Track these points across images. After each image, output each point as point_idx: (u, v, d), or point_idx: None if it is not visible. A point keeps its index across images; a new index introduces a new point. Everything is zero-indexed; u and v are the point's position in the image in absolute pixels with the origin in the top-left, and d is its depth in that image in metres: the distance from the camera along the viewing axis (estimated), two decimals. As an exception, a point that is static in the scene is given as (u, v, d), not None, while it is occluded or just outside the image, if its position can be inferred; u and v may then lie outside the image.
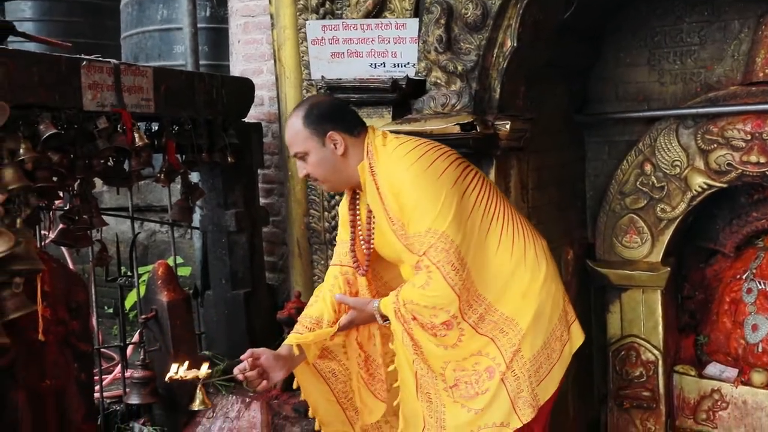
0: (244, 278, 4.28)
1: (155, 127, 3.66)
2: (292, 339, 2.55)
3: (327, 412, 2.71)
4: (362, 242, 2.60)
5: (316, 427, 2.74)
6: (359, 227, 2.61)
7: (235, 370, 2.44)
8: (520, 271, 2.45)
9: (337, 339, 2.66)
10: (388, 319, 2.45)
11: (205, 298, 4.37)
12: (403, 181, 2.38)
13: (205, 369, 2.36)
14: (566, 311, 2.58)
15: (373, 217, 2.54)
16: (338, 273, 2.67)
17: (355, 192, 2.62)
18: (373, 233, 2.57)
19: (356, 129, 2.51)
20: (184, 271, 4.97)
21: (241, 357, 2.46)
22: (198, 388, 2.40)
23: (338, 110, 2.55)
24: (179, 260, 4.53)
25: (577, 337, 2.61)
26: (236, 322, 4.25)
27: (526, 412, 2.41)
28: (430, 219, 2.33)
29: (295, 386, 2.70)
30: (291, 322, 3.64)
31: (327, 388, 2.69)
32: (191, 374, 2.34)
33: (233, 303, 4.25)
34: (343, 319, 2.56)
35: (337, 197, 3.62)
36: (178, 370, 2.32)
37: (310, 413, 2.73)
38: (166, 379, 2.34)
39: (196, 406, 2.44)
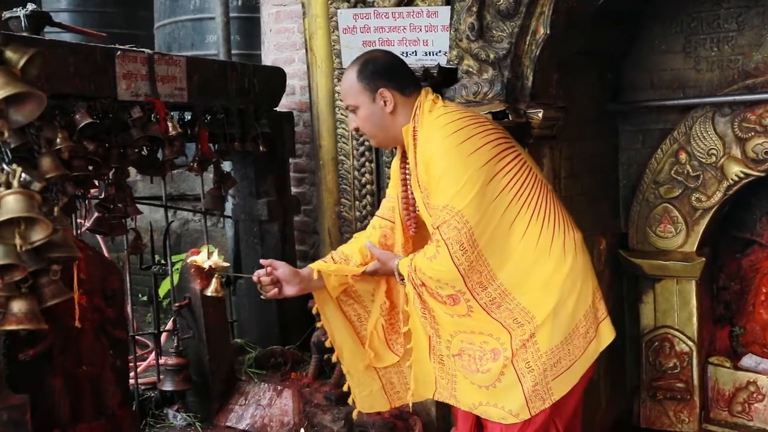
0: (277, 267, 4.28)
1: (188, 116, 3.68)
2: (315, 264, 2.69)
3: (347, 346, 2.78)
4: (409, 202, 2.62)
5: (334, 359, 2.84)
6: (409, 186, 2.59)
7: (255, 274, 2.60)
8: (543, 261, 2.40)
9: (368, 286, 2.71)
10: (404, 279, 2.49)
11: (237, 287, 4.40)
12: (435, 151, 2.37)
13: (222, 262, 2.61)
14: (596, 308, 2.50)
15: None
16: (377, 225, 2.75)
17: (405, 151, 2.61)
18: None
19: (408, 89, 2.51)
20: (216, 260, 4.99)
21: (262, 262, 2.63)
22: (214, 276, 2.61)
23: (393, 68, 2.55)
24: (212, 249, 4.55)
25: (606, 336, 2.54)
26: (268, 310, 4.27)
27: (536, 404, 2.39)
28: (450, 195, 2.32)
29: (314, 312, 2.82)
30: (322, 311, 3.65)
31: (351, 328, 2.77)
32: (208, 263, 2.58)
33: (265, 291, 4.25)
34: (369, 266, 2.62)
35: (368, 185, 3.62)
36: (197, 258, 2.60)
37: (327, 342, 2.83)
38: (188, 261, 2.56)
39: (209, 292, 2.64)
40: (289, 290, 2.64)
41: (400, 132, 2.50)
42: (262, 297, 2.66)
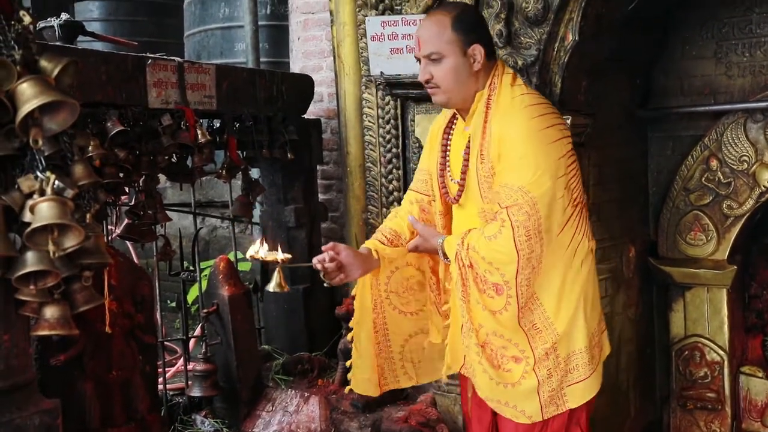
0: (303, 274, 4.30)
1: (217, 123, 3.72)
2: (371, 243, 2.59)
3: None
4: (446, 170, 2.55)
5: (348, 337, 2.80)
6: (449, 154, 2.52)
7: (315, 260, 2.45)
8: (566, 266, 2.37)
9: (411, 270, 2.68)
10: (448, 258, 2.42)
11: (264, 293, 4.42)
12: (517, 130, 2.31)
13: (283, 254, 2.40)
14: (602, 319, 2.54)
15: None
16: (414, 199, 2.69)
17: (454, 117, 2.54)
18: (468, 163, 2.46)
19: (492, 55, 2.46)
20: (244, 267, 5.02)
21: (323, 248, 2.46)
22: (276, 270, 2.41)
23: (486, 28, 2.51)
24: (240, 255, 4.59)
25: (607, 347, 2.56)
26: (295, 317, 4.28)
27: (550, 409, 2.38)
28: (527, 179, 2.26)
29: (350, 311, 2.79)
30: (349, 318, 3.64)
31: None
32: (271, 256, 2.39)
33: (292, 298, 4.28)
34: (410, 242, 2.56)
35: (395, 192, 3.62)
36: (259, 250, 2.39)
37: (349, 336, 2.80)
38: (247, 256, 2.42)
39: (272, 287, 2.45)
40: (355, 273, 2.49)
41: (472, 95, 2.41)
42: (326, 285, 2.50)
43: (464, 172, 2.45)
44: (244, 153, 3.85)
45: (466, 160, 2.45)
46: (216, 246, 5.93)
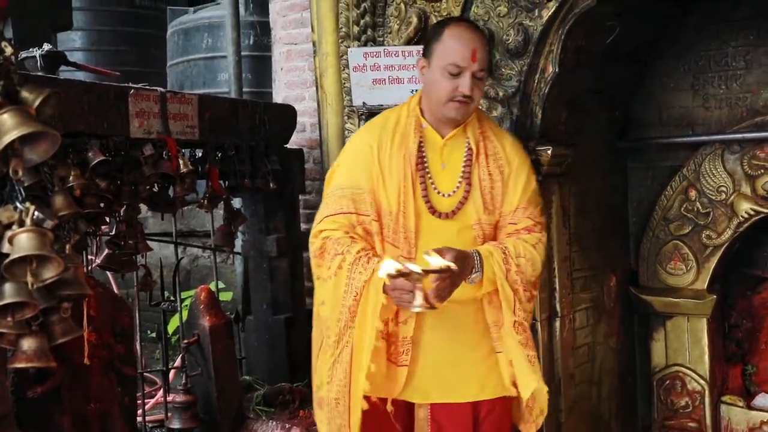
0: (285, 303, 4.29)
1: (199, 153, 3.71)
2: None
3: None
4: (436, 185, 2.44)
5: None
6: (428, 169, 2.43)
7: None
8: None
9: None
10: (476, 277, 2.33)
11: (246, 323, 4.39)
12: (523, 160, 2.56)
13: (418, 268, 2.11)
14: None
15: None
16: (355, 222, 2.41)
17: (414, 132, 2.45)
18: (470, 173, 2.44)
19: None
20: (225, 296, 5.00)
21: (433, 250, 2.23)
22: (417, 287, 2.13)
23: None
24: (221, 285, 4.57)
25: None
26: (277, 347, 4.25)
27: None
28: (537, 211, 2.55)
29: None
30: (331, 348, 3.64)
31: None
32: (414, 268, 2.11)
33: (274, 328, 4.26)
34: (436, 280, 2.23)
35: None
36: (398, 266, 2.10)
37: None
38: (384, 275, 2.11)
39: (415, 307, 2.15)
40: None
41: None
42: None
43: (469, 185, 2.44)
44: (226, 183, 3.85)
45: (468, 172, 2.44)
46: (197, 276, 5.89)
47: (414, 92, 3.28)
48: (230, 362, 3.78)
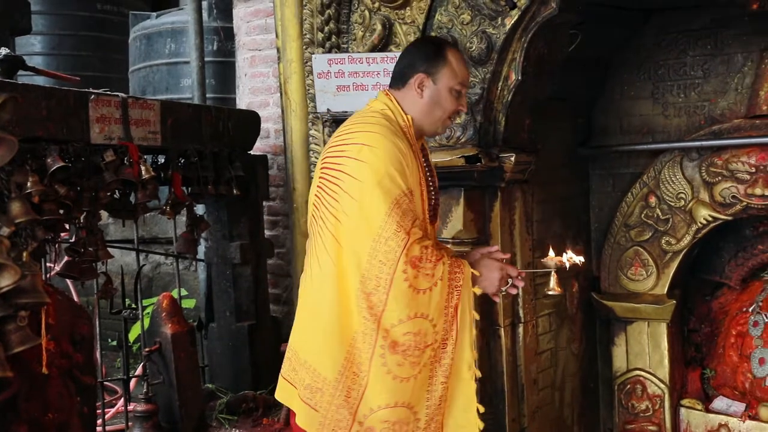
0: (249, 311, 4.26)
1: (162, 159, 3.68)
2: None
3: None
4: (433, 191, 2.48)
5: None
6: (428, 174, 2.46)
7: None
8: None
9: None
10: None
11: (209, 331, 4.36)
12: None
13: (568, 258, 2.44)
14: None
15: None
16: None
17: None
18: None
19: None
20: (188, 304, 4.95)
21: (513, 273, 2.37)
22: (552, 273, 2.44)
23: None
24: (184, 292, 4.52)
25: None
26: (240, 354, 4.22)
27: None
28: None
29: None
30: (295, 355, 3.62)
31: None
32: (554, 262, 2.44)
33: (237, 335, 4.23)
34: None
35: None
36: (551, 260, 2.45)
37: None
38: (544, 260, 2.46)
39: (549, 291, 2.48)
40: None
41: None
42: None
43: (437, 192, 2.50)
44: (189, 189, 3.81)
45: (433, 177, 2.48)
46: (160, 283, 5.82)
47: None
48: (193, 370, 3.74)
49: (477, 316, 2.31)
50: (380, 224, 2.15)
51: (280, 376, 2.35)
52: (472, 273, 2.28)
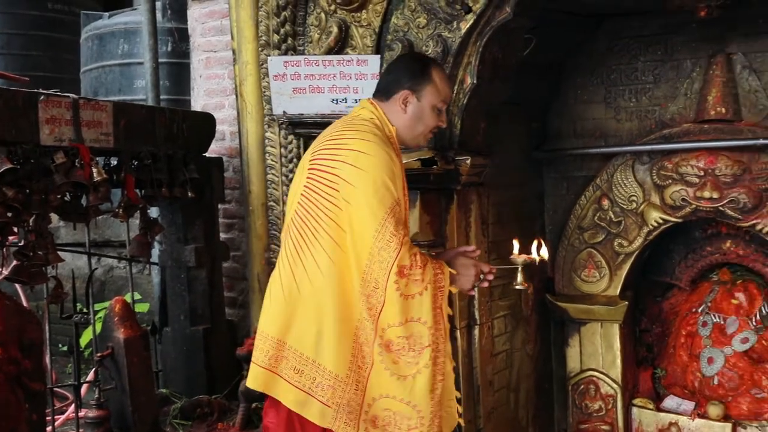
0: (204, 314, 4.23)
1: (114, 161, 3.63)
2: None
3: None
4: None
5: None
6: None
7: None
8: None
9: None
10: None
11: (163, 335, 4.31)
12: None
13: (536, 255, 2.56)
14: None
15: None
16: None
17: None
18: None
19: None
20: (141, 308, 4.89)
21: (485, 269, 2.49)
22: (519, 269, 2.51)
23: None
24: (137, 296, 4.46)
25: None
26: (195, 358, 4.18)
27: None
28: None
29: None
30: (250, 359, 3.58)
31: None
32: (521, 258, 2.53)
33: (192, 339, 4.19)
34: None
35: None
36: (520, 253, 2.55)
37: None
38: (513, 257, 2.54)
39: (516, 285, 2.55)
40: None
41: None
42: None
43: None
44: (143, 191, 3.77)
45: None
46: (112, 287, 5.73)
47: (336, 102, 3.30)
48: (146, 375, 3.69)
49: (450, 311, 2.45)
50: (374, 233, 2.27)
51: (261, 366, 2.40)
52: (450, 272, 2.39)
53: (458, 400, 2.52)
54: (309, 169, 2.39)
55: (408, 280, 2.30)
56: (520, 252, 2.55)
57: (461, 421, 2.58)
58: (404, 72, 2.53)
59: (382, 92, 2.55)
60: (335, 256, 2.31)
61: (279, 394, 2.38)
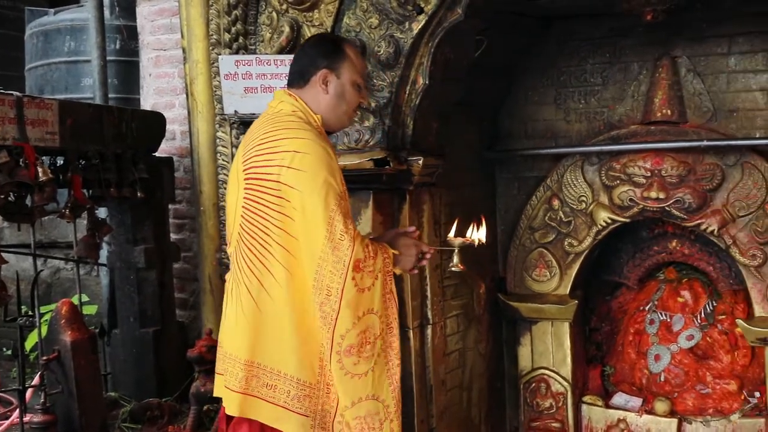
0: (154, 316, 4.18)
1: (61, 161, 3.56)
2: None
3: None
4: None
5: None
6: None
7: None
8: None
9: None
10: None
11: (112, 337, 4.24)
12: None
13: (476, 236, 2.55)
14: None
15: None
16: None
17: None
18: None
19: None
20: (89, 310, 4.80)
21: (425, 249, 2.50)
22: (456, 251, 2.51)
23: None
24: (85, 298, 4.37)
25: None
26: (145, 361, 4.13)
27: None
28: None
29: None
30: (202, 361, 3.56)
31: None
32: (458, 241, 2.52)
33: (142, 342, 4.13)
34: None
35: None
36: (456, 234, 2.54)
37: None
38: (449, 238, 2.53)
39: (452, 267, 2.54)
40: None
41: None
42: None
43: None
44: (90, 191, 3.70)
45: None
46: (59, 289, 5.62)
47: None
48: (94, 378, 3.62)
49: (394, 289, 2.44)
50: (325, 234, 2.22)
51: (235, 391, 2.31)
52: (393, 254, 2.40)
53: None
54: (245, 179, 2.30)
55: (363, 273, 2.27)
56: (457, 234, 2.56)
57: None
58: (318, 53, 2.47)
59: (298, 78, 2.46)
60: (291, 266, 2.26)
61: (258, 415, 2.32)
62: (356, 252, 2.23)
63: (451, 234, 2.55)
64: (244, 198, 2.30)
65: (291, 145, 2.26)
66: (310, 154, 2.25)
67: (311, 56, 2.46)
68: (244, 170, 2.31)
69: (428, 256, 2.51)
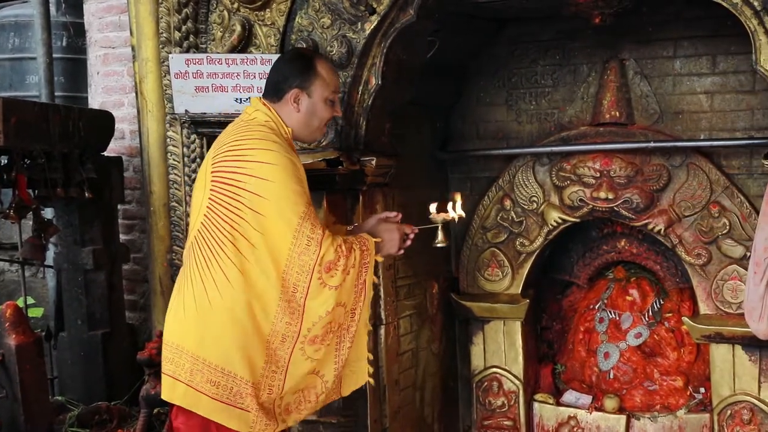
0: (102, 318, 4.11)
1: (5, 160, 3.48)
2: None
3: None
4: None
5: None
6: None
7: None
8: None
9: None
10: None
11: (59, 340, 4.15)
12: None
13: (453, 213, 2.63)
14: None
15: None
16: None
17: None
18: None
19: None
20: (35, 312, 4.70)
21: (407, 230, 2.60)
22: (439, 227, 2.61)
23: None
24: (30, 300, 4.29)
25: None
26: (93, 364, 4.06)
27: None
28: None
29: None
30: (152, 363, 3.50)
31: None
32: (440, 217, 2.62)
33: (90, 344, 4.06)
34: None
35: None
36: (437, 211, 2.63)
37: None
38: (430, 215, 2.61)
39: (437, 243, 2.63)
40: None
41: None
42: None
43: None
44: (36, 192, 3.63)
45: None
46: (3, 291, 5.49)
47: (240, 101, 3.25)
48: (40, 382, 3.54)
49: (376, 280, 2.62)
50: (292, 240, 2.31)
51: (181, 381, 2.36)
52: (375, 242, 2.49)
53: (370, 362, 2.65)
54: (212, 181, 2.38)
55: (335, 272, 2.35)
56: (438, 211, 2.64)
57: (371, 380, 2.71)
58: (290, 71, 2.54)
59: (272, 93, 2.55)
60: (244, 268, 2.32)
61: (200, 409, 2.35)
62: (326, 254, 2.32)
63: (433, 211, 2.64)
64: (209, 198, 2.38)
65: (259, 156, 2.35)
66: (277, 165, 2.34)
67: (284, 74, 2.55)
68: (212, 172, 2.39)
69: (412, 236, 2.59)
